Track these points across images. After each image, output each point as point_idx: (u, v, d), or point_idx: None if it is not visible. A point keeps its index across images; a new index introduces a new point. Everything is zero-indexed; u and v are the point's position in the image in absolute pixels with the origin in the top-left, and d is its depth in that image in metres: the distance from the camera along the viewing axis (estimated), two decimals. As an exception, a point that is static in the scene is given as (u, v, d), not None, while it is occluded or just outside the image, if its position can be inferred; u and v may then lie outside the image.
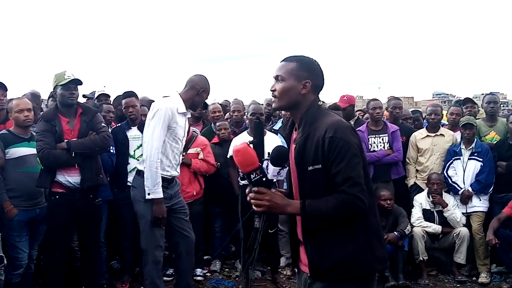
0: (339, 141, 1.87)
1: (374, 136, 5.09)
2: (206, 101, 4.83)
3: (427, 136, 5.18)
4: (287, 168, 2.01)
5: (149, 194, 3.45)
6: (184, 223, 3.80)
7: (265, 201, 1.91)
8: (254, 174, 1.89)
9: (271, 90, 2.08)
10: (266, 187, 1.93)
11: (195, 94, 3.61)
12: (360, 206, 1.86)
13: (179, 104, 3.55)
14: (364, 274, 1.96)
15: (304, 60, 2.06)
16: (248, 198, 1.95)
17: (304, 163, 1.95)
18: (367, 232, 1.95)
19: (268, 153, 1.99)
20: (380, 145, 5.08)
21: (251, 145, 1.95)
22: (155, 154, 3.41)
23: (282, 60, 2.09)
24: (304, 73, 2.02)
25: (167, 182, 3.59)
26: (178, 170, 3.75)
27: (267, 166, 1.97)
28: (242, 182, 4.39)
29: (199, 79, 3.65)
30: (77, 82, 3.73)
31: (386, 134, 5.10)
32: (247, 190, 1.96)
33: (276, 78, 2.06)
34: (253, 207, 1.94)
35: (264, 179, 1.91)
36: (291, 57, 2.09)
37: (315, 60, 2.09)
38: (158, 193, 3.46)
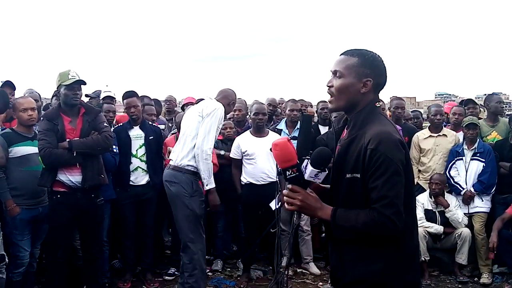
0: (380, 155, 1.69)
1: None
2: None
3: (430, 136, 5.18)
4: (326, 172, 1.84)
5: (207, 185, 3.75)
6: (202, 221, 3.91)
7: (297, 201, 1.79)
8: (290, 171, 1.78)
9: (328, 86, 1.88)
10: (301, 186, 1.81)
11: (226, 103, 3.95)
12: (390, 228, 1.68)
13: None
14: None
15: (367, 55, 1.85)
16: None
17: (343, 168, 1.81)
18: (399, 254, 1.77)
19: (310, 152, 1.84)
20: (383, 145, 5.06)
21: (291, 141, 1.82)
22: (209, 149, 3.69)
23: (342, 54, 1.88)
24: (366, 70, 1.82)
25: (200, 179, 3.79)
26: None
27: (306, 165, 1.82)
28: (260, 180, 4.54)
29: (231, 92, 4.05)
30: (81, 82, 3.74)
31: (389, 134, 5.07)
32: (284, 191, 1.84)
33: (334, 73, 1.86)
34: (285, 205, 1.83)
35: (300, 178, 1.80)
36: (352, 50, 1.87)
37: (379, 55, 1.89)
38: (213, 183, 3.79)
